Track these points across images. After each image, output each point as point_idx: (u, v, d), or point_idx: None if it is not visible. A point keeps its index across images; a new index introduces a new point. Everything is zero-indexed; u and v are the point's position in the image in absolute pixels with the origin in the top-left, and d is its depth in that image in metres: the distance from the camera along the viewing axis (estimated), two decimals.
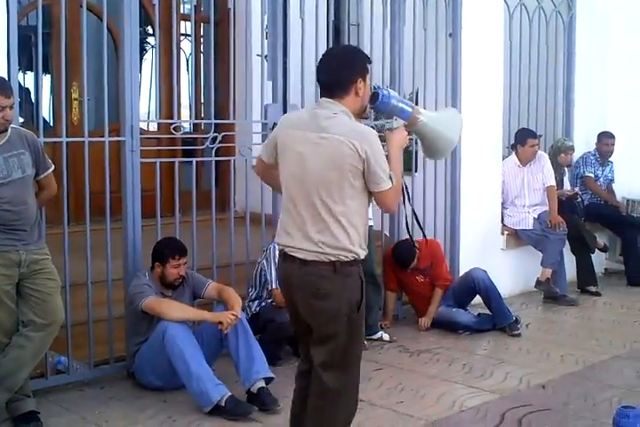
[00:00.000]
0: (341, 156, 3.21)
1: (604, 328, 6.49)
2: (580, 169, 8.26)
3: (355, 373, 3.47)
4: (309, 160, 3.27)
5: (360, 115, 3.44)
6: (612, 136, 8.19)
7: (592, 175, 8.19)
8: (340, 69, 3.33)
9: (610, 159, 8.34)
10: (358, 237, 3.31)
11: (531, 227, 7.34)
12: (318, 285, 3.30)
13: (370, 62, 3.45)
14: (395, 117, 3.47)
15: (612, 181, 8.44)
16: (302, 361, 3.67)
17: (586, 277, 7.70)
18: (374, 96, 3.43)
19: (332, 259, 3.27)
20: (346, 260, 3.28)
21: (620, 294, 7.74)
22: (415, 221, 3.96)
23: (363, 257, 3.36)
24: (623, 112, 8.47)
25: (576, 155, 8.20)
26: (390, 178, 3.26)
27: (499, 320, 6.28)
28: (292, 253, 3.34)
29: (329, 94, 3.33)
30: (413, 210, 3.82)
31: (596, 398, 4.81)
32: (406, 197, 3.57)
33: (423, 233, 4.65)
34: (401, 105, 3.47)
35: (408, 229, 4.08)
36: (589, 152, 8.30)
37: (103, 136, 4.96)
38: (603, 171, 8.32)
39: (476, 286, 6.29)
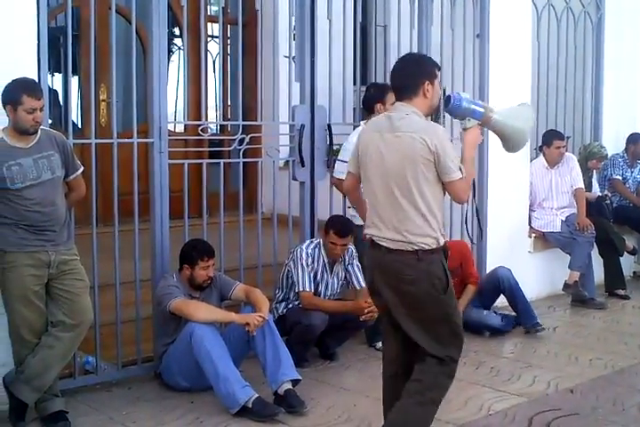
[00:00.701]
0: (414, 150, 3.54)
1: (632, 332, 6.42)
2: (608, 171, 8.17)
3: (453, 350, 3.74)
4: (387, 156, 3.62)
5: (430, 115, 3.81)
6: None
7: (620, 178, 8.10)
8: (409, 74, 3.71)
9: (639, 161, 8.28)
10: (437, 223, 3.60)
11: (559, 229, 7.28)
12: (404, 271, 3.58)
13: (439, 68, 3.78)
14: (468, 118, 3.80)
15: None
16: (389, 363, 3.94)
17: (614, 280, 7.64)
18: (447, 100, 3.78)
19: (415, 248, 3.57)
20: (428, 248, 3.57)
21: None
22: (476, 218, 4.36)
23: (442, 243, 3.62)
24: None
25: None
26: (460, 169, 3.56)
27: (524, 320, 6.25)
28: (379, 242, 3.65)
29: (400, 97, 3.72)
30: (477, 207, 4.21)
31: (626, 402, 4.77)
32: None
33: (481, 230, 5.20)
34: (472, 106, 3.79)
35: (466, 223, 4.75)
36: (617, 154, 8.21)
37: (131, 137, 4.98)
38: (632, 173, 8.22)
39: (501, 284, 6.26)
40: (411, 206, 3.57)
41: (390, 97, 5.63)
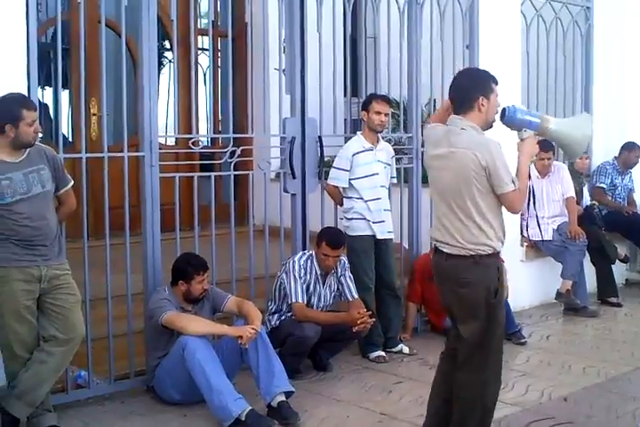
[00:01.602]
0: (467, 166, 3.72)
1: (625, 340, 6.44)
2: (594, 179, 8.22)
3: (496, 352, 3.90)
4: (444, 172, 3.83)
5: (488, 128, 3.88)
6: (637, 148, 8.21)
7: (604, 186, 8.13)
8: (463, 88, 3.86)
9: (630, 170, 8.32)
10: (493, 231, 3.79)
11: (550, 238, 7.29)
12: (460, 275, 3.80)
13: (496, 83, 3.89)
14: (524, 129, 3.89)
15: (631, 190, 8.39)
16: (449, 342, 4.10)
17: (606, 288, 7.67)
18: (503, 113, 3.86)
19: (472, 253, 3.77)
20: (484, 253, 3.78)
21: None
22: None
23: (500, 249, 3.83)
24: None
25: (595, 163, 8.18)
26: (513, 182, 3.72)
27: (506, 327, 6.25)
28: (441, 248, 3.88)
29: (456, 111, 3.87)
30: (537, 215, 4.66)
31: (619, 410, 4.78)
32: (531, 201, 4.83)
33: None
34: (527, 118, 3.88)
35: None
36: (607, 162, 8.25)
37: (122, 151, 4.99)
38: (622, 180, 8.26)
39: None
40: (467, 218, 3.77)
41: (373, 106, 5.71)
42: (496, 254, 3.83)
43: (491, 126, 3.90)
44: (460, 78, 3.94)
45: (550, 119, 3.96)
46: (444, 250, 3.86)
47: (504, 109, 3.87)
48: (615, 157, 8.25)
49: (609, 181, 8.16)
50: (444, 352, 4.10)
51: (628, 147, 8.20)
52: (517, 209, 3.88)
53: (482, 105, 3.81)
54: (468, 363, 3.86)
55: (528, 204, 7.35)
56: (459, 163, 3.75)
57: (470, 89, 3.83)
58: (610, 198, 8.16)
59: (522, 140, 3.93)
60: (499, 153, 3.73)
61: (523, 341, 6.22)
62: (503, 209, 3.85)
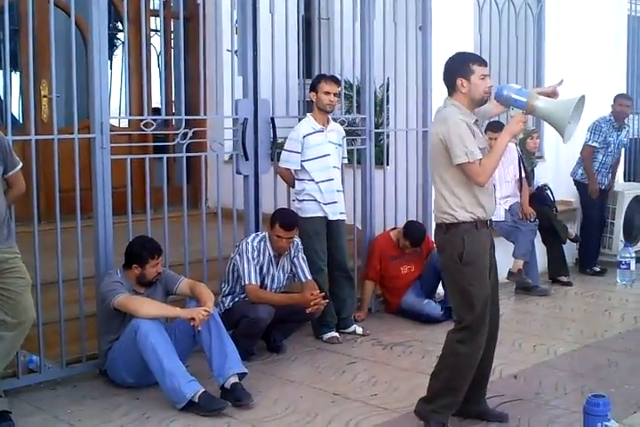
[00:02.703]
0: (434, 140, 4.09)
1: (575, 318, 6.56)
2: (587, 136, 8.11)
3: (476, 314, 4.11)
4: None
5: (479, 106, 4.15)
6: (628, 98, 8.25)
7: (596, 145, 8.07)
8: (446, 72, 4.16)
9: (626, 123, 8.36)
10: (459, 202, 4.04)
11: (502, 218, 7.36)
12: (435, 240, 4.30)
13: (479, 63, 4.09)
14: (511, 107, 4.07)
15: (625, 145, 8.51)
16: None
17: (557, 267, 7.79)
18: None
19: (439, 221, 4.15)
20: (448, 222, 4.07)
21: (591, 283, 7.83)
22: None
23: (465, 219, 4.05)
24: (594, 103, 8.52)
25: (545, 144, 8.27)
26: (467, 154, 3.92)
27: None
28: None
29: (448, 93, 4.17)
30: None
31: (567, 387, 4.87)
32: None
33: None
34: (513, 96, 4.03)
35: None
36: (603, 118, 8.16)
37: (73, 133, 4.94)
38: (618, 135, 8.21)
39: (438, 262, 6.31)
40: (437, 190, 4.14)
41: (322, 86, 5.73)
42: (460, 223, 4.05)
43: (483, 103, 4.13)
44: (445, 63, 4.20)
45: (540, 97, 4.07)
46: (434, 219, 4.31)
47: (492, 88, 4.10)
48: (611, 112, 8.20)
49: (601, 139, 8.09)
50: None
51: (615, 98, 8.18)
52: (479, 181, 4.02)
53: (462, 86, 4.06)
54: (457, 324, 4.19)
55: None
56: (432, 139, 4.16)
57: (450, 72, 4.12)
58: (594, 163, 8.11)
59: (511, 117, 4.11)
60: (455, 127, 3.96)
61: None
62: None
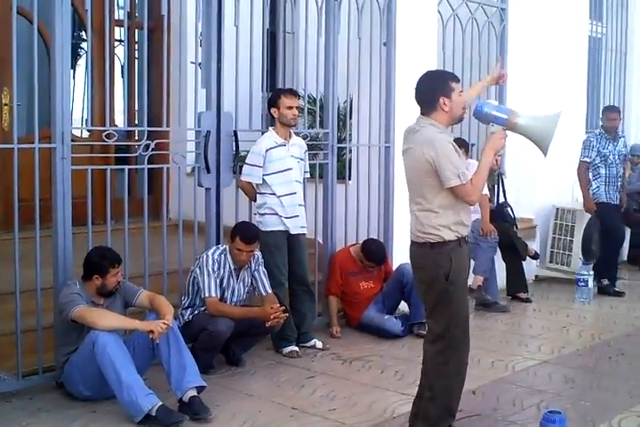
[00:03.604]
0: (418, 161, 3.99)
1: (533, 334, 6.61)
2: (581, 153, 8.12)
3: (453, 331, 4.15)
4: (406, 167, 4.15)
5: (455, 123, 4.26)
6: (614, 110, 8.23)
7: (588, 160, 8.03)
8: (424, 90, 4.10)
9: (621, 133, 8.31)
10: (445, 221, 4.03)
11: None
12: (417, 260, 4.18)
13: (457, 81, 4.10)
14: (491, 124, 4.11)
15: (625, 155, 8.38)
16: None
17: (517, 283, 7.84)
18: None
19: (423, 241, 4.08)
20: (434, 241, 4.04)
21: (550, 300, 7.91)
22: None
23: (451, 238, 4.05)
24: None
25: (506, 159, 8.34)
26: (459, 176, 3.91)
27: (413, 315, 6.37)
28: (411, 238, 4.20)
29: (421, 111, 4.11)
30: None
31: (525, 403, 4.90)
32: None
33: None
34: (494, 113, 4.07)
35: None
36: (592, 133, 8.23)
37: (34, 143, 4.89)
38: (615, 146, 8.11)
39: (404, 277, 6.34)
40: (420, 210, 4.07)
41: (283, 101, 5.73)
42: (446, 242, 4.05)
43: (460, 120, 4.18)
44: (420, 82, 4.14)
45: (521, 115, 4.11)
46: (411, 239, 4.19)
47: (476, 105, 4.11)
48: (602, 126, 8.22)
49: (594, 153, 8.04)
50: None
51: (603, 112, 8.21)
52: (472, 200, 4.08)
53: (444, 104, 4.03)
54: (431, 344, 4.20)
55: None
56: (413, 159, 4.04)
57: (430, 91, 4.07)
58: (590, 180, 8.06)
59: (491, 133, 4.14)
60: (443, 149, 3.93)
61: (422, 332, 6.13)
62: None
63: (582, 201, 8.27)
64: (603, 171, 8.07)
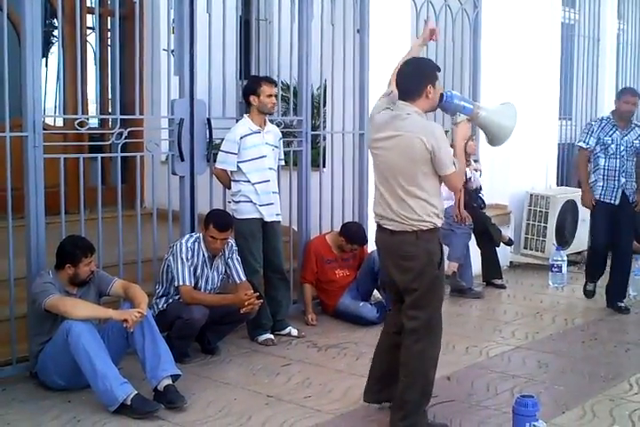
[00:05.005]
0: (412, 148, 3.98)
1: (507, 320, 6.65)
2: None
3: (437, 322, 4.24)
4: (389, 153, 4.08)
5: (430, 111, 4.22)
6: (633, 93, 6.87)
7: (583, 145, 6.86)
8: (413, 77, 4.11)
9: (636, 122, 6.97)
10: (434, 209, 4.08)
11: None
12: (405, 249, 4.11)
13: (439, 70, 4.17)
14: (458, 113, 4.20)
15: (638, 148, 6.83)
16: (389, 325, 4.51)
17: (491, 270, 7.89)
18: (441, 97, 4.15)
19: (414, 229, 4.06)
20: (425, 229, 4.07)
21: (524, 286, 7.96)
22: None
23: (440, 225, 4.14)
24: (528, 108, 8.67)
25: (480, 149, 8.37)
26: (454, 164, 4.00)
27: (388, 302, 6.37)
28: (384, 226, 4.16)
29: (404, 97, 4.10)
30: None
31: (499, 388, 4.94)
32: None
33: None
34: (462, 103, 4.18)
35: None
36: (598, 118, 7.23)
37: (4, 131, 4.85)
38: (624, 136, 6.79)
39: (375, 265, 6.32)
40: (410, 197, 4.03)
41: (264, 89, 5.70)
42: (436, 229, 4.13)
43: (435, 109, 4.23)
44: (408, 67, 4.16)
45: (481, 106, 4.25)
46: (389, 227, 4.14)
47: (442, 95, 4.15)
48: (613, 111, 6.96)
49: (593, 140, 6.79)
50: (386, 328, 4.54)
51: (618, 94, 7.01)
52: (458, 188, 4.31)
53: (429, 92, 4.07)
54: (413, 334, 4.16)
55: None
56: (404, 145, 4.00)
57: (419, 78, 4.09)
58: (589, 165, 6.92)
59: (455, 124, 4.24)
60: (442, 137, 4.00)
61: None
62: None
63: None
64: (602, 162, 6.81)
